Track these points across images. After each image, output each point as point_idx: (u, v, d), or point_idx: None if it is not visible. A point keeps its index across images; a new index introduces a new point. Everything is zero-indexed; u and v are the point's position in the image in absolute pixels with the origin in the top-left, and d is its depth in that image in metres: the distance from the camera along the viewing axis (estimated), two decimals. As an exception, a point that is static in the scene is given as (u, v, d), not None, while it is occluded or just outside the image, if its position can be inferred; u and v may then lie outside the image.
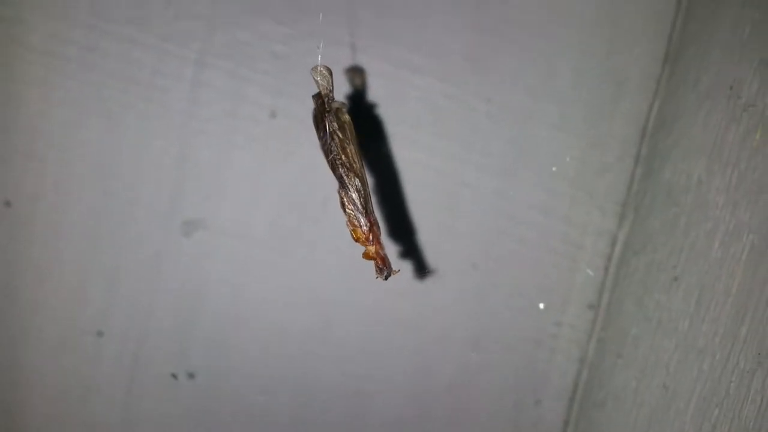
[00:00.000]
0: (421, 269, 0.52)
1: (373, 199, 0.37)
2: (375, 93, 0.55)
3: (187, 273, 0.57)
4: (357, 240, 0.36)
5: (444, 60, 0.56)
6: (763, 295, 0.41)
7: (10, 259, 0.56)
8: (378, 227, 0.36)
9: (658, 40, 0.57)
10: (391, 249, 0.53)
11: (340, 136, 0.36)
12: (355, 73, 0.50)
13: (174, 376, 0.57)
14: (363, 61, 0.55)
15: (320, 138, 0.37)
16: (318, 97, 0.37)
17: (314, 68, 0.37)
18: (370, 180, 0.38)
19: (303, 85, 0.55)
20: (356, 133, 0.37)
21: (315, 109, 0.38)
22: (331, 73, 0.37)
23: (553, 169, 0.55)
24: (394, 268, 0.37)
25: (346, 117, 0.37)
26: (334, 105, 0.37)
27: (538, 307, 0.58)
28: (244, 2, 0.54)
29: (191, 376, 0.57)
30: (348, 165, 0.35)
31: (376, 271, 0.37)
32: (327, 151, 0.36)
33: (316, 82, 0.37)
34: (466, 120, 0.57)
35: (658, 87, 0.57)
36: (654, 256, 0.53)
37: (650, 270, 0.54)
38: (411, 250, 0.53)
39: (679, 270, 0.49)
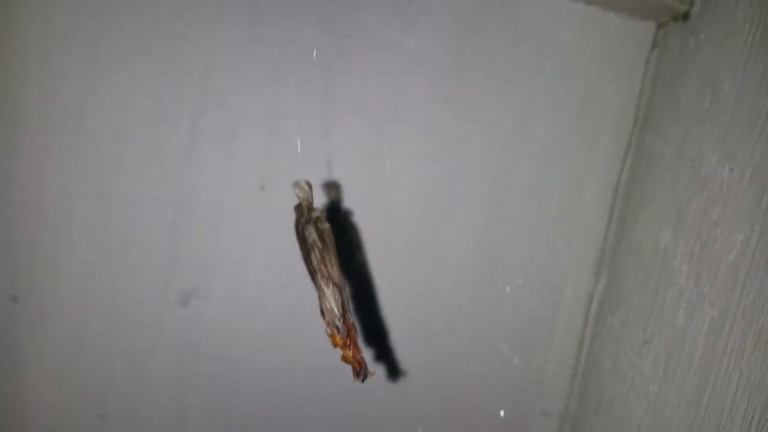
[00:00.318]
0: (394, 371, 0.55)
1: (351, 303, 0.40)
2: (358, 157, 0.58)
3: (183, 346, 0.59)
4: (335, 345, 0.38)
5: (423, 127, 0.59)
6: (722, 368, 0.43)
7: (18, 354, 0.58)
8: (356, 331, 0.39)
9: (627, 105, 0.59)
10: (367, 352, 0.55)
11: (320, 246, 0.38)
12: (331, 187, 0.53)
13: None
14: (346, 119, 0.57)
15: (301, 248, 0.40)
16: (299, 208, 0.40)
17: (295, 183, 0.40)
18: (347, 285, 0.40)
19: (291, 159, 0.58)
20: (335, 239, 0.39)
21: (296, 220, 0.40)
22: (310, 187, 0.40)
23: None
24: (370, 370, 0.39)
25: (326, 225, 0.39)
26: (314, 214, 0.39)
27: (518, 360, 0.61)
28: (234, 79, 0.57)
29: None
30: (327, 274, 0.38)
31: (354, 374, 0.39)
32: (307, 261, 0.39)
33: (297, 195, 0.40)
34: (445, 182, 0.60)
35: (627, 150, 0.60)
36: (627, 316, 0.56)
37: (624, 329, 0.56)
38: (386, 351, 0.55)
39: (649, 333, 0.52)
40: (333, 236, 0.39)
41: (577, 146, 0.60)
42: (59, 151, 0.57)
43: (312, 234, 0.39)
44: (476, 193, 0.59)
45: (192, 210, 0.58)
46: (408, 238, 0.59)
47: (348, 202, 0.55)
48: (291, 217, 0.58)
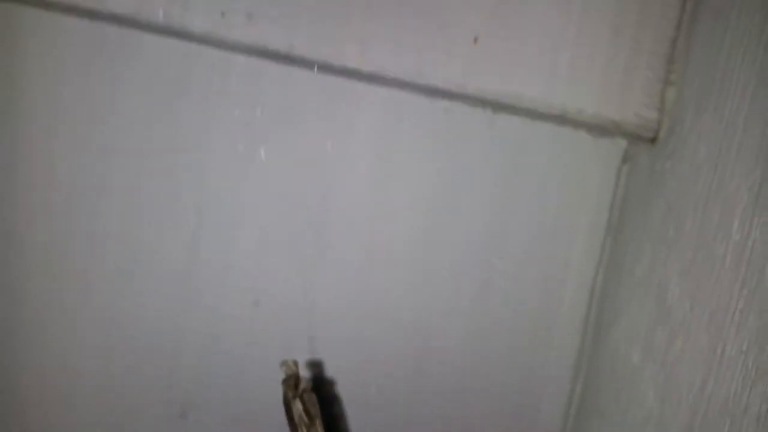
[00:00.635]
0: None
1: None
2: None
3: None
4: None
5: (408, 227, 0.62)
6: (683, 504, 0.46)
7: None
8: None
9: (600, 215, 0.62)
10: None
11: (306, 422, 0.41)
12: (315, 365, 0.57)
13: None
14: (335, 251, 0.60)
15: (288, 422, 0.42)
16: (286, 383, 0.43)
17: (283, 362, 0.43)
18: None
19: (283, 277, 0.61)
20: (320, 410, 0.42)
21: (284, 394, 0.43)
22: (297, 365, 0.43)
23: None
24: None
25: (312, 395, 0.42)
26: (301, 387, 0.42)
27: None
28: (228, 206, 0.60)
29: None
30: (313, 448, 0.41)
31: None
32: (294, 436, 0.42)
33: (285, 372, 0.43)
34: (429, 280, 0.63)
35: (601, 257, 0.63)
36: (601, 426, 0.58)
37: (599, 436, 0.59)
38: None
39: (621, 449, 0.55)
40: (319, 407, 0.42)
41: (553, 253, 0.62)
42: (66, 279, 0.60)
43: (298, 409, 0.42)
44: (456, 302, 0.62)
45: (191, 325, 0.61)
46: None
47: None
48: (285, 335, 0.62)
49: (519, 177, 0.61)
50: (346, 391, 0.60)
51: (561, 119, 0.56)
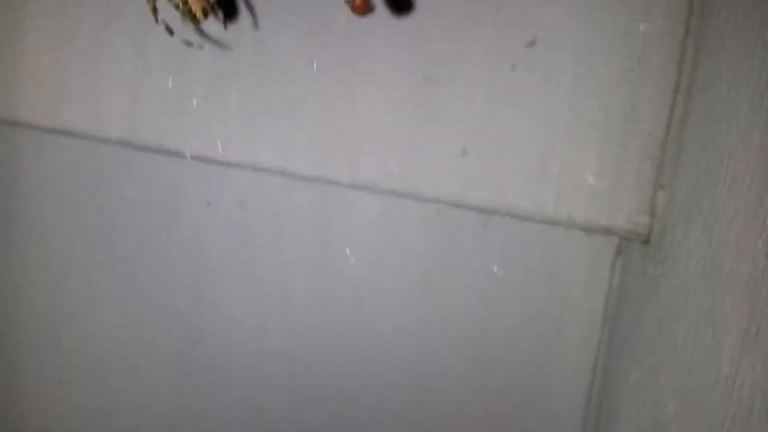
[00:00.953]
0: None
1: None
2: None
3: None
4: None
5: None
6: None
7: None
8: None
9: (595, 308, 0.62)
10: None
11: None
12: None
13: None
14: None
15: None
16: None
17: None
18: None
19: (281, 381, 0.62)
20: None
21: None
22: None
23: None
24: None
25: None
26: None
27: None
28: (223, 285, 0.61)
29: None
30: None
31: None
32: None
33: None
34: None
35: (598, 352, 0.62)
36: None
37: None
38: None
39: None
40: None
41: (549, 349, 0.63)
42: (55, 374, 0.62)
43: None
44: (449, 403, 0.62)
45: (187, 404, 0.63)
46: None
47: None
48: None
49: (513, 274, 0.62)
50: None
51: (553, 224, 0.57)
